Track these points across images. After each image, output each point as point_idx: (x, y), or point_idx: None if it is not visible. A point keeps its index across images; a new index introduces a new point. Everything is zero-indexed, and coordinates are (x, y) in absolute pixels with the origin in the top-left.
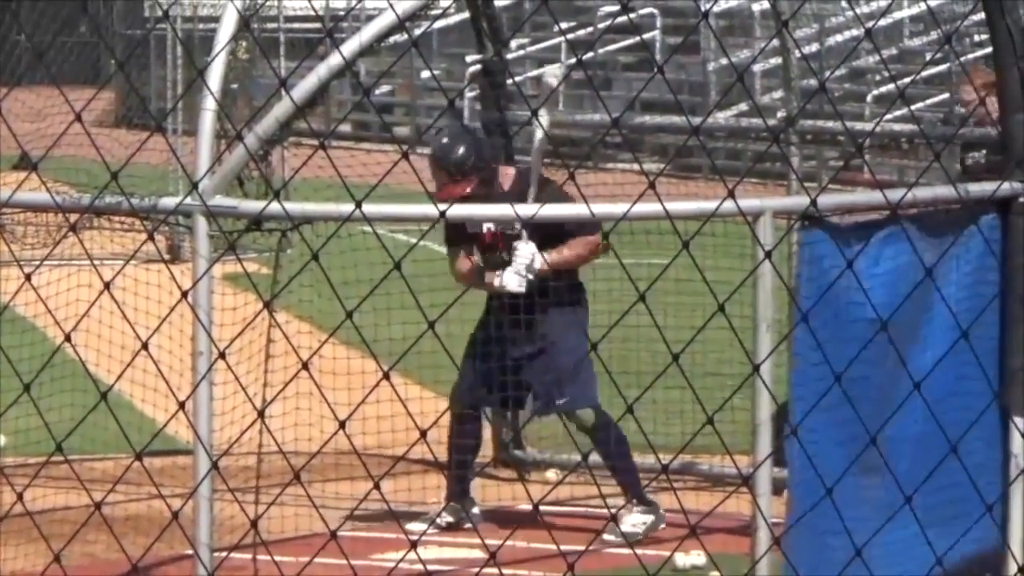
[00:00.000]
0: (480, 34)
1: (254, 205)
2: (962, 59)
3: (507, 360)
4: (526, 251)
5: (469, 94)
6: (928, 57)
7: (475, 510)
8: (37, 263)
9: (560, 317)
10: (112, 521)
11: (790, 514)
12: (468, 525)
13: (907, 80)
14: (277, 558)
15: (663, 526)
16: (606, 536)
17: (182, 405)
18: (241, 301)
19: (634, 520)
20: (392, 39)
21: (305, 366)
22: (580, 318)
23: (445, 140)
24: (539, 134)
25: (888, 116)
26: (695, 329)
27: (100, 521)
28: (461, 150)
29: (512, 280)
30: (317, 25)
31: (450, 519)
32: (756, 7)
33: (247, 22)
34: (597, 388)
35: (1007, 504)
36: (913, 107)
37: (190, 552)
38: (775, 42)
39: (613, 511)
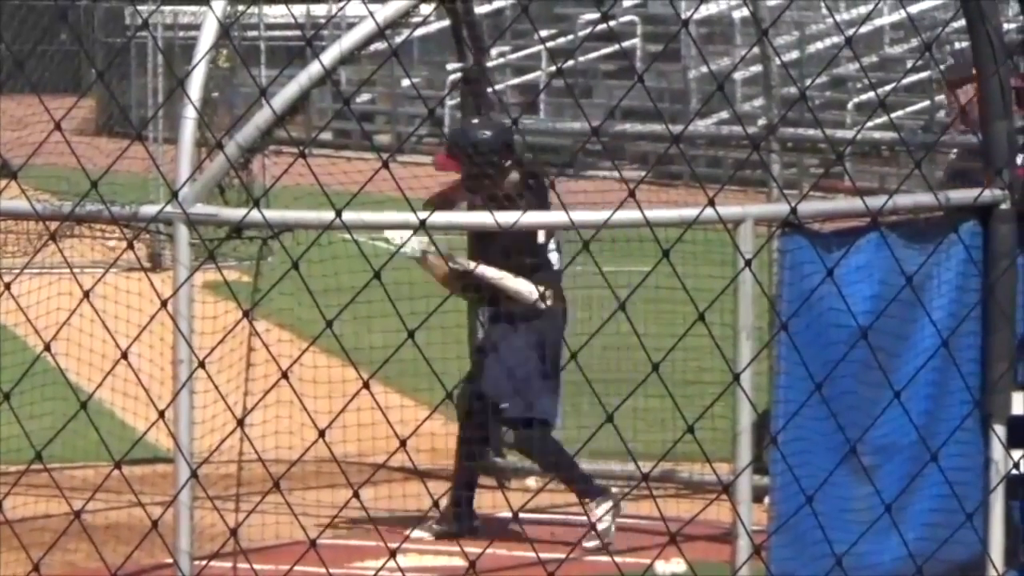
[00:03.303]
0: (460, 42)
1: (235, 213)
2: (942, 67)
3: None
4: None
5: (450, 102)
6: (909, 65)
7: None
8: (17, 271)
9: (506, 327)
10: (92, 530)
11: (772, 521)
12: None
13: (888, 88)
14: (257, 566)
15: (623, 507)
16: (586, 544)
17: (162, 413)
18: (221, 309)
19: (598, 513)
20: (373, 47)
21: (285, 374)
22: (529, 334)
23: (475, 121)
24: None
25: (869, 124)
26: (675, 337)
27: (80, 530)
28: (486, 133)
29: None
30: (297, 33)
31: (444, 527)
32: (736, 15)
33: (227, 30)
34: (533, 410)
35: (987, 511)
36: (894, 115)
37: (170, 560)
38: (755, 50)
39: (594, 519)
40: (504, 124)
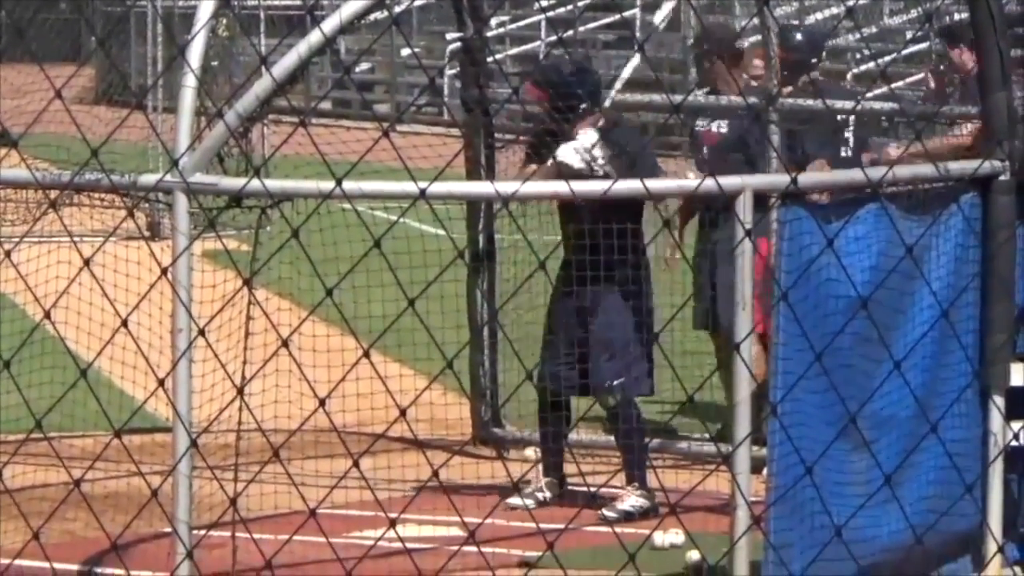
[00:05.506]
0: (460, 12)
1: (234, 182)
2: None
3: (575, 338)
4: (588, 136)
5: (449, 72)
6: (908, 36)
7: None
8: (17, 240)
9: (606, 295)
10: (91, 499)
11: (770, 493)
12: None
13: (887, 59)
14: (256, 536)
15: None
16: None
17: (161, 382)
18: (221, 278)
19: (633, 502)
20: (372, 16)
21: (285, 343)
22: (630, 300)
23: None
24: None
25: (868, 95)
26: (675, 307)
27: (79, 499)
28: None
29: (569, 152)
30: (298, 2)
31: (548, 494)
32: None
33: None
34: (636, 376)
35: (986, 482)
36: (893, 85)
37: (169, 530)
38: (756, 20)
39: (594, 489)
40: (594, 73)
